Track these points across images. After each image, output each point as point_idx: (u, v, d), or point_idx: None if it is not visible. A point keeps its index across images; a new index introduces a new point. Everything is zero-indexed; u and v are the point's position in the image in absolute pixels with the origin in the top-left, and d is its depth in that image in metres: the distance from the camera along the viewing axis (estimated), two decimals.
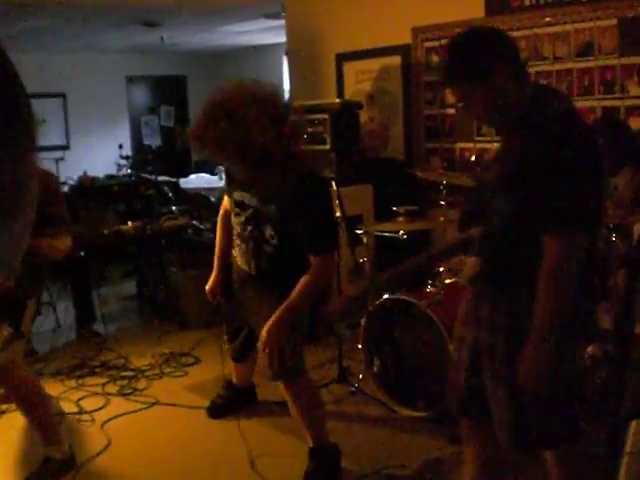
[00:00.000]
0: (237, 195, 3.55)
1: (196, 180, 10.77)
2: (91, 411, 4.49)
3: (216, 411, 4.36)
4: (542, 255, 2.26)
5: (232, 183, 3.62)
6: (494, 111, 2.38)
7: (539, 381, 2.33)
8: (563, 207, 2.23)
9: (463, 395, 2.66)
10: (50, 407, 3.77)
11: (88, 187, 9.66)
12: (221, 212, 3.95)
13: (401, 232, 4.50)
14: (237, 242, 3.65)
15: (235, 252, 3.73)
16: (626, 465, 2.07)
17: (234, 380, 4.44)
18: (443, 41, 5.60)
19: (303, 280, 3.31)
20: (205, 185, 10.02)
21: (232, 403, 4.41)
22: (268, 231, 3.44)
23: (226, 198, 3.81)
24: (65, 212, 3.68)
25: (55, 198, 3.62)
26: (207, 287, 4.06)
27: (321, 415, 3.71)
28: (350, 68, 6.63)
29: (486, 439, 2.63)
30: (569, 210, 2.23)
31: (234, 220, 3.61)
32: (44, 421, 3.69)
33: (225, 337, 4.25)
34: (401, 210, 4.68)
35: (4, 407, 4.39)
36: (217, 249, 4.03)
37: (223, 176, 3.97)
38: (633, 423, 2.06)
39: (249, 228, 3.51)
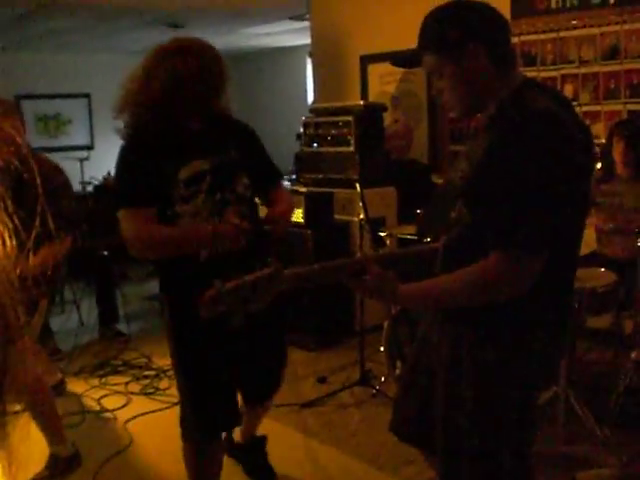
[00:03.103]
0: (185, 172, 2.84)
1: None
2: (113, 410, 4.51)
3: None
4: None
5: (165, 164, 2.83)
6: (464, 99, 2.06)
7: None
8: (517, 227, 1.86)
9: (411, 423, 2.41)
10: (54, 406, 3.76)
11: (113, 187, 9.70)
12: (146, 232, 2.83)
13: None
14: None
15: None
16: None
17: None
18: None
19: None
20: None
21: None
22: (241, 182, 2.96)
23: (144, 213, 2.83)
24: (64, 210, 3.47)
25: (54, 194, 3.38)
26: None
27: None
28: (374, 70, 6.63)
29: None
30: (525, 231, 1.85)
31: (188, 208, 2.84)
32: (49, 420, 3.68)
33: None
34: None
35: (17, 407, 4.41)
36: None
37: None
38: None
39: (217, 197, 2.89)
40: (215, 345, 2.91)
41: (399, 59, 2.32)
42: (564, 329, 2.15)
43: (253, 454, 3.68)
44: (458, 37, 1.99)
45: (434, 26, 2.05)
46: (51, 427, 3.69)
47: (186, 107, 2.87)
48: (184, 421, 3.05)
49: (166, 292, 3.05)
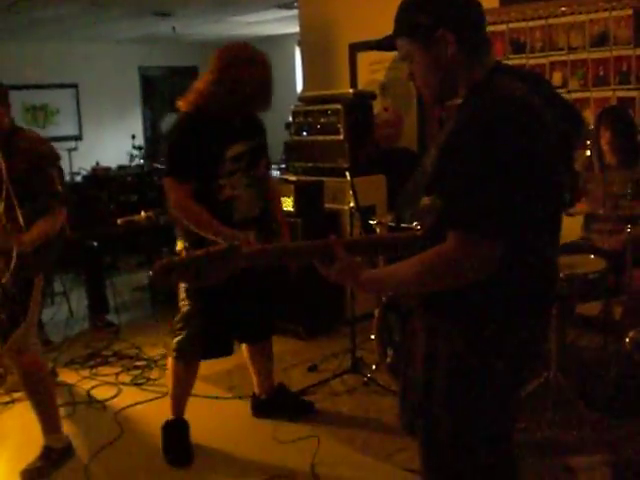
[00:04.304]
0: (231, 152, 3.59)
1: None
2: (104, 400, 4.51)
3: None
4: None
5: (215, 142, 3.53)
6: (433, 85, 2.06)
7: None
8: (472, 210, 1.83)
9: (410, 413, 2.44)
10: (54, 396, 3.79)
11: (102, 177, 9.68)
12: (188, 202, 3.54)
13: (415, 223, 4.47)
14: (244, 195, 3.65)
15: (241, 210, 3.66)
16: None
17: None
18: None
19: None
20: None
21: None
22: (264, 163, 3.83)
23: (184, 187, 3.52)
24: (56, 186, 3.54)
25: (41, 167, 3.48)
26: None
27: None
28: (363, 58, 6.61)
29: None
30: (480, 215, 1.83)
31: (231, 181, 3.60)
32: (47, 409, 3.69)
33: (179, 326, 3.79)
34: None
35: (16, 395, 4.41)
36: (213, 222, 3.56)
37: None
38: None
39: (252, 173, 3.68)
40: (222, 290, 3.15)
41: (375, 43, 2.29)
42: (542, 323, 2.14)
43: (284, 399, 4.20)
44: (428, 23, 1.97)
45: (406, 11, 2.04)
46: (48, 416, 3.70)
47: (240, 105, 3.55)
48: (182, 343, 3.73)
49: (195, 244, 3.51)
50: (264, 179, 3.83)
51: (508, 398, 2.14)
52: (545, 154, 1.89)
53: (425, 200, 2.04)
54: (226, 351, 3.90)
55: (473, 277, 1.88)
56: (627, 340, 2.84)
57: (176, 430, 3.85)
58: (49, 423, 3.70)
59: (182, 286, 3.70)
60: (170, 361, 3.87)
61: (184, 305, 3.73)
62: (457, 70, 2.00)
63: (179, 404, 3.87)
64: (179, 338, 3.75)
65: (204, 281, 1.94)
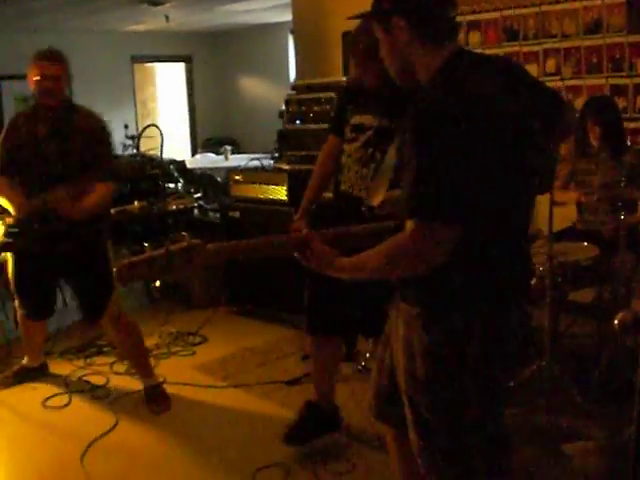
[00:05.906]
0: (355, 119, 3.47)
1: (202, 160, 10.76)
2: (99, 390, 4.52)
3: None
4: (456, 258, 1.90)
5: (349, 108, 3.54)
6: (392, 67, 2.13)
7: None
8: (426, 196, 1.86)
9: (384, 400, 2.44)
10: (144, 345, 4.46)
11: None
12: (325, 152, 3.74)
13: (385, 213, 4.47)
14: (353, 168, 3.47)
15: (346, 182, 3.52)
16: None
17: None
18: None
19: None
20: (211, 165, 10.02)
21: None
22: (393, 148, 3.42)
23: (331, 137, 3.68)
24: (109, 158, 4.10)
25: (98, 141, 4.00)
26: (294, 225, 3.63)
27: None
28: None
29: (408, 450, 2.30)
30: (434, 201, 1.85)
31: (347, 147, 3.50)
32: (143, 360, 4.39)
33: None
34: None
35: None
36: (311, 186, 3.79)
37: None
38: None
39: (370, 150, 3.41)
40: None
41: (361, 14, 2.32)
42: (516, 307, 2.14)
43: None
44: (386, 8, 2.05)
45: None
46: (142, 363, 4.38)
47: (376, 72, 3.23)
48: (305, 320, 3.66)
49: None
50: (388, 165, 3.43)
51: (489, 383, 2.13)
52: (498, 140, 1.91)
53: (397, 191, 2.07)
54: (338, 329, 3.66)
55: (430, 262, 1.91)
56: (616, 322, 2.84)
57: (307, 411, 3.72)
58: (145, 370, 4.37)
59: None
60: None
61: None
62: (413, 56, 2.06)
63: (316, 386, 3.75)
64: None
65: (169, 276, 1.99)
